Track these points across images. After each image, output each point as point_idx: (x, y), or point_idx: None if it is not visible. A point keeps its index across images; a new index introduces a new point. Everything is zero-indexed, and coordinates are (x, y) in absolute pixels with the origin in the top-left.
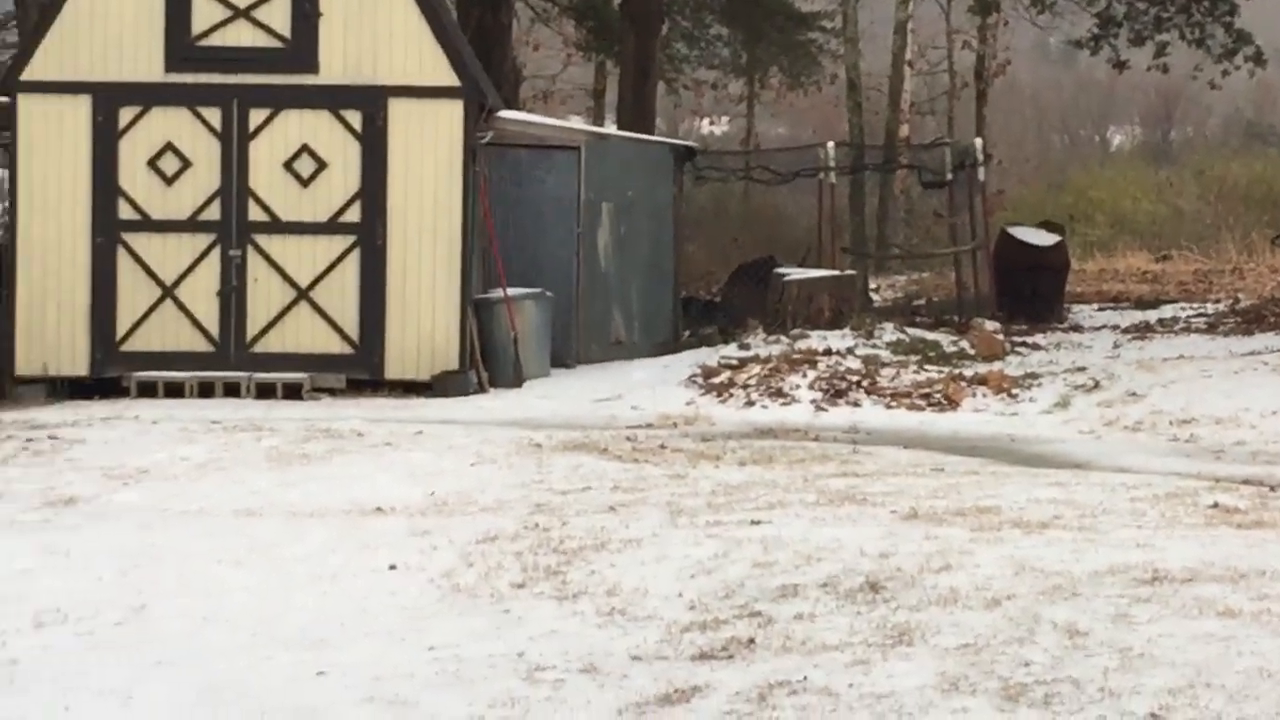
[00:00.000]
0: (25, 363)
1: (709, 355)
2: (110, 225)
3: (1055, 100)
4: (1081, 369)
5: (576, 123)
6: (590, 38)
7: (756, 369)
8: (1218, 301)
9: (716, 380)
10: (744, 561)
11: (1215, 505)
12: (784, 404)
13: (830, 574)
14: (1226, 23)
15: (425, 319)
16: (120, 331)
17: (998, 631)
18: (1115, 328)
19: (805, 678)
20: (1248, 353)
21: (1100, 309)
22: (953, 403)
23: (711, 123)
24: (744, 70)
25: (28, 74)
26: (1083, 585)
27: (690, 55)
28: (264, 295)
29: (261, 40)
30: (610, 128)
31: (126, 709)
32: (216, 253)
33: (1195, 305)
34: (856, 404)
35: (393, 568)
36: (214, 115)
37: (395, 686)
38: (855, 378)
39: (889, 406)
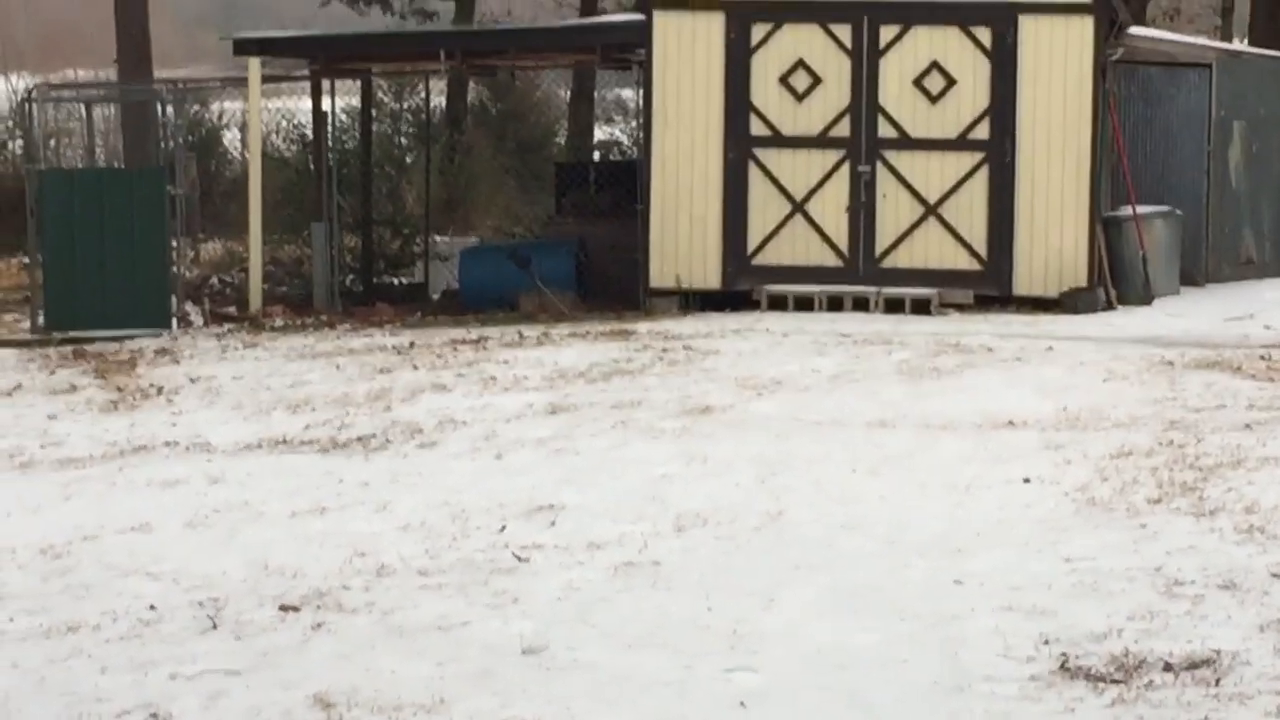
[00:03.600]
0: (659, 275)
1: None
2: (742, 141)
3: None
4: None
5: (1204, 40)
6: None
7: None
8: None
9: None
10: None
11: None
12: None
13: None
14: None
15: (1053, 235)
16: (751, 245)
17: None
18: None
19: None
20: None
21: None
22: None
23: None
24: None
25: None
26: None
27: None
28: (892, 211)
29: None
30: (1240, 45)
31: (768, 610)
32: (846, 168)
33: None
34: None
35: (1026, 480)
36: (844, 32)
37: (1033, 596)
38: None
39: None
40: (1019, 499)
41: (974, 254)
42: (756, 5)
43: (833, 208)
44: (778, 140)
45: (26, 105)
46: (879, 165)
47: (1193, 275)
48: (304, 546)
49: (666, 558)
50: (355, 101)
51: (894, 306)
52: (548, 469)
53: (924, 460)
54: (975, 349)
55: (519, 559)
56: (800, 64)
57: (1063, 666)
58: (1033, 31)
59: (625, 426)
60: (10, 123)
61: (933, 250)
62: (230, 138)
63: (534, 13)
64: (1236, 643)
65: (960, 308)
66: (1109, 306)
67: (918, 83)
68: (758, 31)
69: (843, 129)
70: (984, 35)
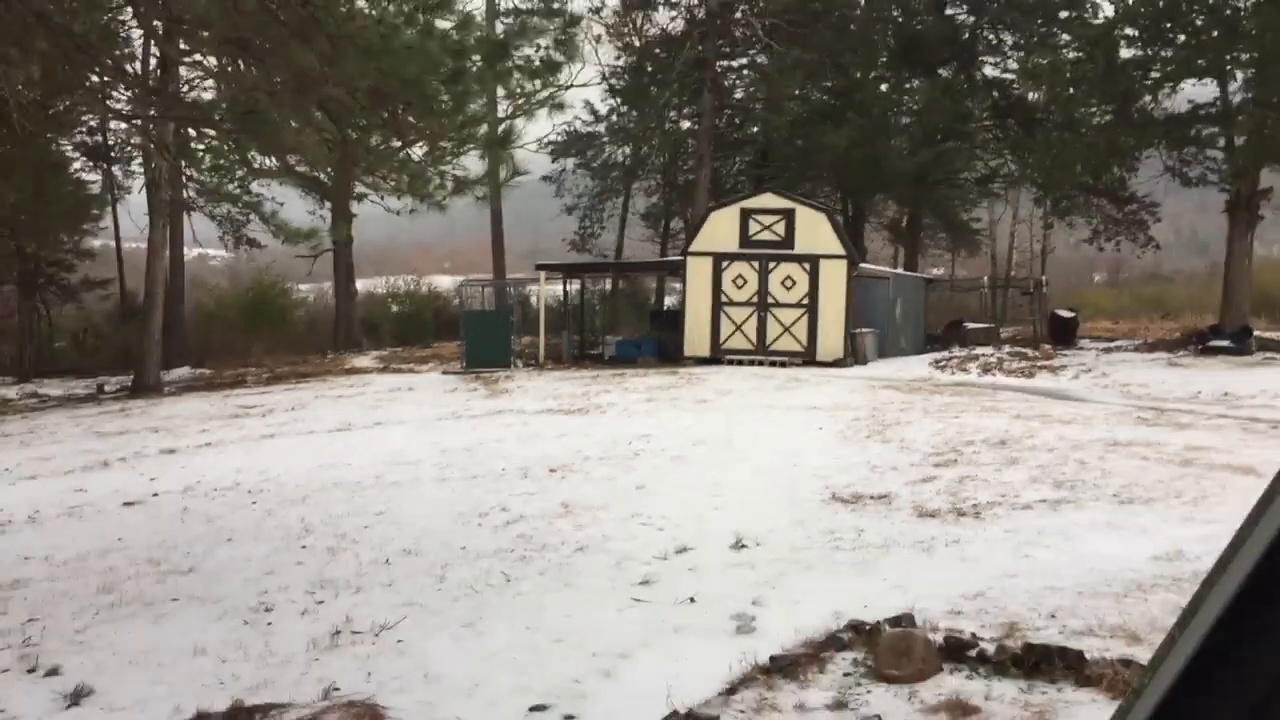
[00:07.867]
0: (689, 349)
1: (937, 356)
2: (718, 305)
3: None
4: (1083, 363)
5: (885, 268)
6: None
7: (958, 358)
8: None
9: (942, 362)
10: (955, 430)
11: (1139, 418)
12: (964, 374)
13: (984, 438)
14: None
15: (832, 338)
16: (722, 339)
17: (1060, 457)
18: (1096, 348)
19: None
20: (1154, 358)
21: (1093, 340)
22: (1031, 375)
23: None
24: None
25: (691, 248)
26: (1086, 442)
27: None
28: (773, 328)
29: (769, 236)
30: (899, 270)
31: (726, 473)
32: (755, 313)
33: (1133, 339)
34: (995, 375)
35: (820, 428)
36: (756, 264)
37: (823, 472)
38: (994, 363)
39: (1008, 375)
40: (818, 434)
41: (802, 345)
42: (723, 255)
43: (750, 327)
44: (731, 303)
45: (461, 288)
46: (767, 313)
47: (883, 353)
48: (558, 449)
49: (690, 454)
50: (576, 286)
51: (775, 364)
52: (646, 422)
53: (785, 419)
54: (803, 379)
55: (635, 454)
56: (739, 275)
57: (833, 497)
58: (825, 264)
59: (674, 405)
60: (455, 295)
61: (787, 343)
62: (533, 299)
63: (637, 249)
64: (897, 488)
65: (797, 365)
66: (853, 365)
67: (782, 283)
68: (724, 263)
69: (754, 299)
70: (808, 265)
